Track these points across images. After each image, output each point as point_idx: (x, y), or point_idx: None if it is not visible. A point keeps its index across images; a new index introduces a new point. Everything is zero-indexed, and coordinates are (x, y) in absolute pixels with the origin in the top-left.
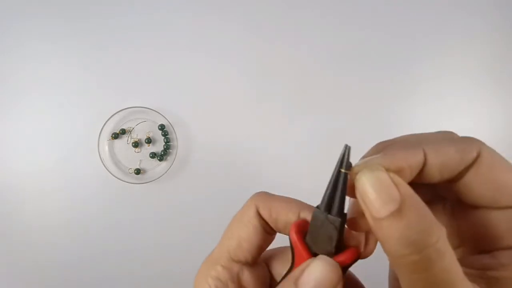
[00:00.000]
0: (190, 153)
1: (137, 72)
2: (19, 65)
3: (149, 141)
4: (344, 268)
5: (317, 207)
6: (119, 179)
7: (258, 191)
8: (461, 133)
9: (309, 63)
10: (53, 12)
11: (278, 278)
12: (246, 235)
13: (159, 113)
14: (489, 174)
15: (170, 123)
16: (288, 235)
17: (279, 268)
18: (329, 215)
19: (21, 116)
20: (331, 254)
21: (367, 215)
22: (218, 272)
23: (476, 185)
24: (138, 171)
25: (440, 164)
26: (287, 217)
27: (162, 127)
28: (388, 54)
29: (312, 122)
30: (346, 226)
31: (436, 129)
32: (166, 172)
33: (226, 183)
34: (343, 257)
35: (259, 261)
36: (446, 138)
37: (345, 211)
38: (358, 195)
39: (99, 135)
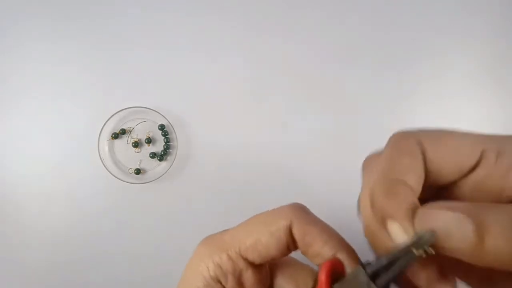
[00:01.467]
0: (190, 153)
1: (137, 72)
2: (19, 65)
3: (149, 141)
4: None
5: (363, 265)
6: (119, 179)
7: (295, 202)
8: None
9: (309, 63)
10: (53, 12)
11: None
12: (266, 242)
13: (159, 113)
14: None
15: (170, 123)
16: (318, 269)
17: (281, 280)
18: (371, 282)
19: (20, 116)
20: None
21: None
22: (222, 260)
23: None
24: (138, 171)
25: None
26: (322, 249)
27: (162, 127)
28: (388, 54)
29: (313, 122)
30: None
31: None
32: (166, 172)
33: (226, 183)
34: None
35: (265, 265)
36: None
37: None
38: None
39: (99, 135)
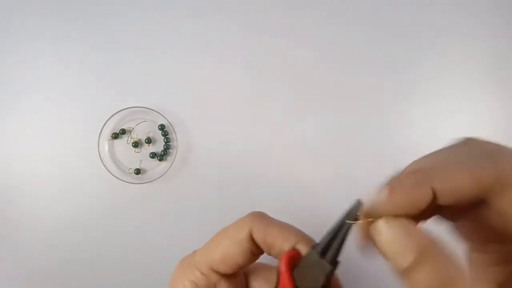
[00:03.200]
0: (190, 153)
1: (137, 72)
2: (19, 65)
3: (149, 141)
4: None
5: (313, 246)
6: (119, 179)
7: (255, 210)
8: (461, 134)
9: (309, 63)
10: (53, 12)
11: None
12: (233, 253)
13: (159, 113)
14: None
15: (170, 123)
16: (279, 263)
17: (256, 284)
18: (321, 259)
19: (20, 116)
20: None
21: (390, 264)
22: (197, 277)
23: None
24: (138, 171)
25: (453, 195)
26: (282, 245)
27: (162, 127)
28: (388, 54)
29: (313, 122)
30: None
31: (436, 128)
32: (166, 172)
33: (226, 183)
34: None
35: (238, 273)
36: (461, 160)
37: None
38: (377, 244)
39: (99, 135)
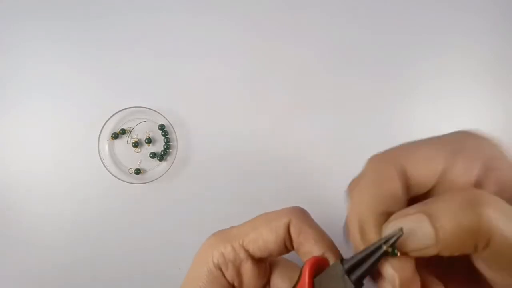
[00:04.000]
0: (190, 153)
1: (137, 72)
2: (19, 65)
3: (149, 141)
4: None
5: (342, 260)
6: (119, 179)
7: (295, 205)
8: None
9: (309, 63)
10: (53, 12)
11: (272, 285)
12: (266, 237)
13: (159, 113)
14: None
15: (170, 123)
16: (303, 264)
17: (277, 276)
18: (346, 276)
19: (20, 116)
20: None
21: None
22: (226, 250)
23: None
24: (138, 171)
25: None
26: (311, 247)
27: (162, 127)
28: (388, 54)
29: (313, 122)
30: None
31: (436, 128)
32: (166, 172)
33: (226, 183)
34: None
35: (265, 260)
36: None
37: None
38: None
39: (99, 135)
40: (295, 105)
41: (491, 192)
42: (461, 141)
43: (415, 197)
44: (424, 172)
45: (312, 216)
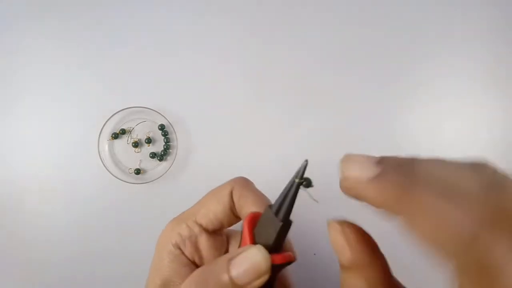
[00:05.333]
0: (190, 153)
1: (137, 72)
2: (19, 65)
3: (149, 141)
4: (276, 266)
5: (269, 206)
6: (119, 179)
7: (238, 175)
8: (461, 134)
9: (309, 63)
10: (53, 12)
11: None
12: (214, 208)
13: (159, 113)
14: None
15: (170, 123)
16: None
17: (233, 247)
18: (275, 217)
19: (20, 116)
20: (268, 249)
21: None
22: (182, 228)
23: None
24: (138, 171)
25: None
26: (249, 209)
27: (162, 127)
28: (388, 55)
29: (313, 122)
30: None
31: (436, 130)
32: (166, 172)
33: None
34: (275, 256)
35: (221, 233)
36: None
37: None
38: (347, 186)
39: (99, 135)
40: (296, 105)
41: None
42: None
43: None
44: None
45: (311, 216)
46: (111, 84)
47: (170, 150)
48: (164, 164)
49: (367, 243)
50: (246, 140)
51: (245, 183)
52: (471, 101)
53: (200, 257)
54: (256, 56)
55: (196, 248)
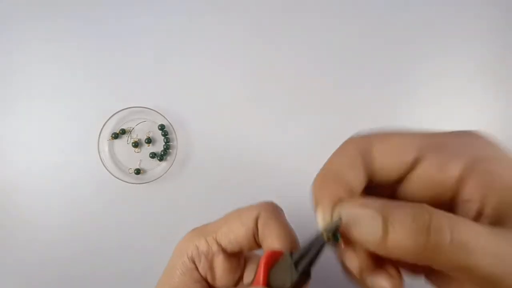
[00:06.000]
0: (190, 153)
1: (137, 72)
2: (19, 65)
3: (149, 141)
4: None
5: (291, 252)
6: (119, 179)
7: (267, 200)
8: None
9: (309, 63)
10: (53, 12)
11: (244, 280)
12: (237, 231)
13: (159, 113)
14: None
15: (170, 123)
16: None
17: (248, 272)
18: (293, 266)
19: (21, 116)
20: None
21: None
22: (200, 243)
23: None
24: (138, 171)
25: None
26: (273, 242)
27: (162, 127)
28: (388, 55)
29: (313, 123)
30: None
31: (436, 129)
32: (166, 172)
33: (226, 183)
34: None
35: (240, 256)
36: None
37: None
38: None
39: (99, 135)
40: (295, 107)
41: (472, 194)
42: (446, 138)
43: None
44: (390, 159)
45: (311, 216)
46: (111, 84)
47: (170, 150)
48: (164, 164)
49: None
50: (246, 140)
51: (273, 211)
52: (471, 101)
53: (213, 276)
54: (256, 57)
55: (211, 267)
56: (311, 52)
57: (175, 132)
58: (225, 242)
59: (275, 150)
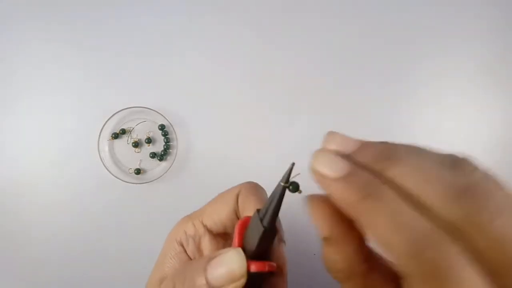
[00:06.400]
0: (190, 153)
1: (137, 72)
2: (19, 65)
3: (149, 141)
4: (254, 274)
5: (257, 210)
6: (119, 179)
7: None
8: (461, 135)
9: (309, 63)
10: (53, 12)
11: None
12: (220, 210)
13: (159, 113)
14: None
15: (170, 123)
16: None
17: None
18: (259, 222)
19: (21, 116)
20: (250, 254)
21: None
22: (188, 227)
23: None
24: (138, 171)
25: None
26: (250, 213)
27: (162, 127)
28: (388, 55)
29: (313, 123)
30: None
31: (436, 129)
32: (166, 172)
33: (226, 183)
34: (253, 263)
35: (227, 238)
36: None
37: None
38: (316, 179)
39: (99, 135)
40: (295, 107)
41: None
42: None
43: None
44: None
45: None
46: (111, 84)
47: (170, 150)
48: (164, 164)
49: (343, 217)
50: (246, 140)
51: (252, 188)
52: (471, 101)
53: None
54: (256, 57)
55: (198, 248)
56: (311, 52)
57: (175, 132)
58: (210, 223)
59: (275, 150)
